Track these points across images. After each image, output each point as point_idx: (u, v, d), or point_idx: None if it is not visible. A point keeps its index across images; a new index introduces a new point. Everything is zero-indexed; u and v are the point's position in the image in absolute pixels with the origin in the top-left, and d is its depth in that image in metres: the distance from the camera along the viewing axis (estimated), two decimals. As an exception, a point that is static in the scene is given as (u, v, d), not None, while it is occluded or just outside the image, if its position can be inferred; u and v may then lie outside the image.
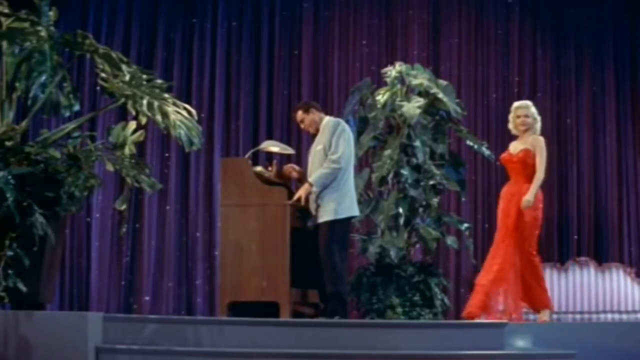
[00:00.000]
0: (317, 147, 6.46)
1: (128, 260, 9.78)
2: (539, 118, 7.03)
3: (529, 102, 7.10)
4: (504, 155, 7.07)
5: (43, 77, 5.70)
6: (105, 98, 6.17)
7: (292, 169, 6.80)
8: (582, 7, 10.11)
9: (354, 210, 6.47)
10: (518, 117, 7.02)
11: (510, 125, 7.08)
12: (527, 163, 6.89)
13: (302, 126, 6.64)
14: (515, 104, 7.12)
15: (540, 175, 6.85)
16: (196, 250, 9.82)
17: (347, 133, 6.46)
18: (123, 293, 9.72)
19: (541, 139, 6.94)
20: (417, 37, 10.11)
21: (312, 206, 6.35)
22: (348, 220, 6.47)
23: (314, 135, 6.62)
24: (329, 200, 6.31)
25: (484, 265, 7.00)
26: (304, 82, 10.05)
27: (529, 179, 6.87)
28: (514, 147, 7.03)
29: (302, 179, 6.67)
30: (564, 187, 9.93)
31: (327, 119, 6.57)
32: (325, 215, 6.30)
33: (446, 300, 8.17)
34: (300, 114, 6.59)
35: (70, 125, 5.87)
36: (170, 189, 9.85)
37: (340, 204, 6.31)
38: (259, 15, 10.16)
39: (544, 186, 9.96)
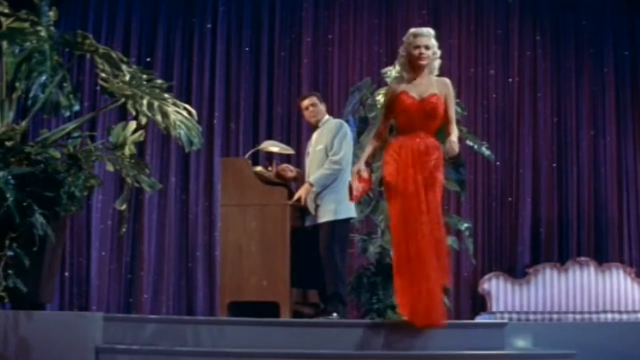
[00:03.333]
0: (316, 147, 6.46)
1: (128, 260, 9.78)
2: (439, 53, 5.43)
3: (430, 30, 5.44)
4: (405, 100, 5.32)
5: (43, 77, 5.71)
6: (105, 98, 6.17)
7: (287, 168, 6.80)
8: (582, 7, 10.11)
9: (352, 212, 6.48)
10: (416, 47, 5.34)
11: (401, 60, 5.44)
12: (438, 112, 5.31)
13: (307, 111, 6.55)
14: (412, 30, 5.46)
15: (455, 126, 5.40)
16: (196, 250, 9.83)
17: (349, 135, 6.49)
18: (123, 293, 9.72)
19: (450, 82, 5.45)
20: (417, 37, 10.09)
21: (310, 206, 6.34)
22: (347, 221, 6.47)
23: (312, 131, 6.63)
24: (328, 200, 6.31)
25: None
26: (304, 82, 10.05)
27: (432, 133, 5.38)
28: (416, 90, 5.34)
29: (297, 178, 6.68)
30: (564, 187, 9.93)
31: (330, 119, 6.58)
32: (325, 215, 6.30)
33: (446, 301, 8.14)
34: (314, 99, 6.56)
35: (70, 125, 5.87)
36: (170, 189, 9.86)
37: (339, 205, 6.31)
38: (259, 15, 10.17)
39: (544, 185, 10.09)
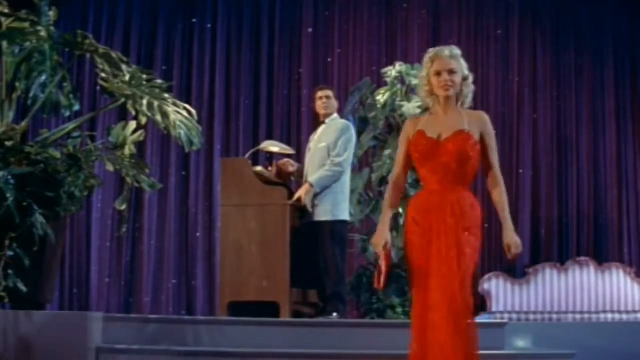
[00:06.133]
0: (319, 144, 6.45)
1: (128, 260, 9.78)
2: (471, 77, 4.19)
3: (455, 49, 4.23)
4: (418, 143, 4.09)
5: (43, 77, 5.72)
6: (105, 98, 6.17)
7: (288, 163, 6.80)
8: (582, 7, 10.11)
9: (347, 215, 6.50)
10: (437, 73, 4.10)
11: (422, 92, 4.18)
12: (469, 155, 4.06)
13: (320, 101, 6.55)
14: (431, 51, 4.20)
15: (499, 169, 4.20)
16: (196, 250, 9.82)
17: (354, 138, 6.52)
18: (123, 293, 9.72)
19: (488, 118, 4.23)
20: (417, 37, 10.11)
21: (309, 205, 6.34)
22: (345, 221, 6.48)
23: (314, 128, 6.63)
24: (326, 201, 6.31)
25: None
26: (304, 82, 10.05)
27: (467, 182, 4.11)
28: (436, 128, 4.09)
29: (297, 173, 6.69)
30: (564, 187, 9.93)
31: (337, 118, 6.60)
32: (323, 215, 6.30)
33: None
34: (330, 93, 6.59)
35: (70, 125, 5.88)
36: (170, 189, 9.85)
37: (337, 206, 6.32)
38: (259, 15, 10.17)
39: (544, 185, 10.10)
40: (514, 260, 4.09)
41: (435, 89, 4.11)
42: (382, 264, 4.10)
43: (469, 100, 4.17)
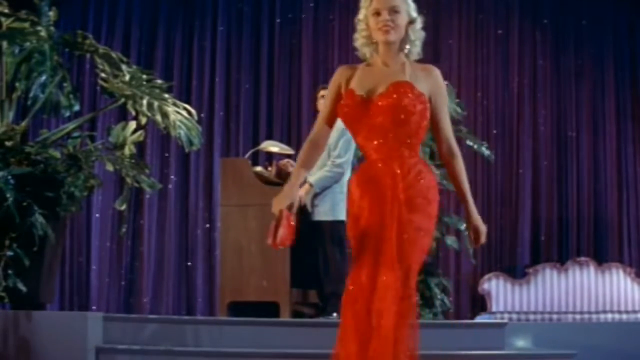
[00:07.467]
0: (319, 144, 6.45)
1: (128, 260, 9.78)
2: (420, 22, 3.39)
3: None
4: (345, 101, 3.39)
5: (43, 77, 5.71)
6: (105, 98, 6.17)
7: (289, 164, 6.81)
8: (582, 7, 10.11)
9: (345, 215, 6.49)
10: (376, 12, 3.31)
11: (359, 37, 3.39)
12: (406, 111, 3.27)
13: (322, 99, 6.52)
14: None
15: (453, 138, 3.43)
16: (196, 250, 9.82)
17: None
18: (123, 293, 9.72)
19: (438, 72, 3.41)
20: (417, 37, 10.08)
21: (308, 204, 6.34)
22: (344, 221, 6.48)
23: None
24: (326, 201, 6.31)
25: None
26: (304, 82, 10.05)
27: (414, 144, 3.36)
28: (367, 82, 3.34)
29: None
30: (564, 188, 9.93)
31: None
32: (323, 215, 6.30)
33: (446, 301, 8.15)
34: None
35: (70, 125, 5.87)
36: (170, 189, 9.85)
37: (337, 206, 6.32)
38: (259, 15, 10.16)
39: (544, 185, 10.12)
40: (478, 246, 3.47)
41: (374, 33, 3.33)
42: (284, 219, 3.62)
43: (417, 50, 3.39)
